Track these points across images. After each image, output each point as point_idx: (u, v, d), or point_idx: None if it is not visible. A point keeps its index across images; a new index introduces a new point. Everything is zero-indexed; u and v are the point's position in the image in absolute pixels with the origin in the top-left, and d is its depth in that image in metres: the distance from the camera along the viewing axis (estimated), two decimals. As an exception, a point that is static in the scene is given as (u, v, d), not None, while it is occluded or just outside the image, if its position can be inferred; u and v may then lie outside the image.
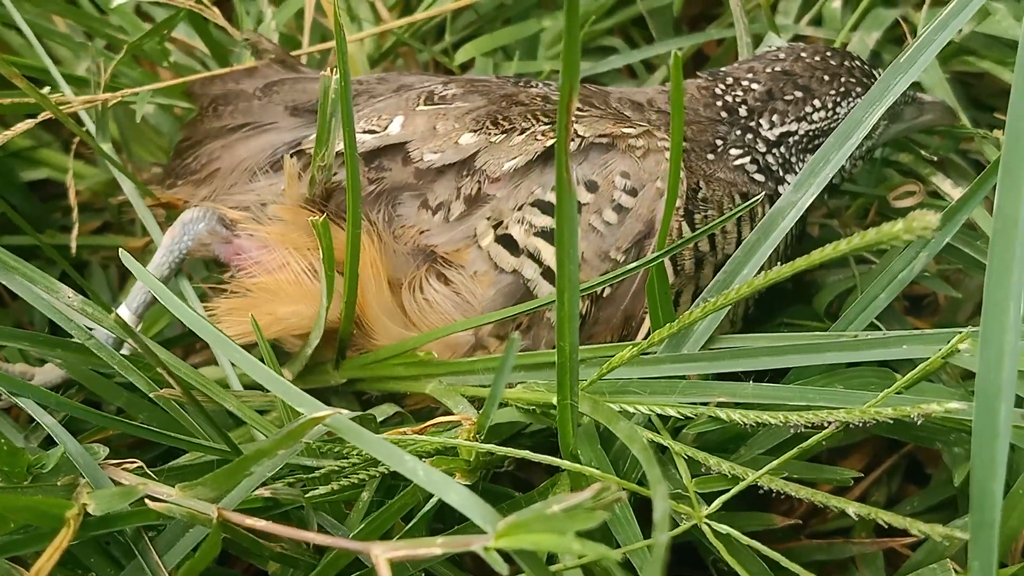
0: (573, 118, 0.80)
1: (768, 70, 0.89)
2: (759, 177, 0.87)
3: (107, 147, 0.94)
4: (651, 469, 0.57)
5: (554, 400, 0.67)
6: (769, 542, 0.65)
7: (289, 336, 0.85)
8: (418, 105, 0.85)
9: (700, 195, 0.82)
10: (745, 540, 0.65)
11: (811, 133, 0.88)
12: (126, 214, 1.09)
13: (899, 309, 0.98)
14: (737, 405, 0.68)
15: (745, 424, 0.66)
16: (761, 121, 0.87)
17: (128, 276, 1.07)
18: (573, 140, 0.79)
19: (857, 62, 0.89)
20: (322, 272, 0.77)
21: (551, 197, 0.78)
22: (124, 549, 0.68)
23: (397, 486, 0.72)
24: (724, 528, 0.65)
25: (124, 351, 0.80)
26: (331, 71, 0.74)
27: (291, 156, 0.85)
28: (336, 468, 0.70)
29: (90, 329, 0.78)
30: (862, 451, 0.93)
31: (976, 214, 0.84)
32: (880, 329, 0.78)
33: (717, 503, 0.66)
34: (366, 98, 0.90)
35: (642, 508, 0.64)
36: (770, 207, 0.76)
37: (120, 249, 0.73)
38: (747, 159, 0.86)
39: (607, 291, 0.79)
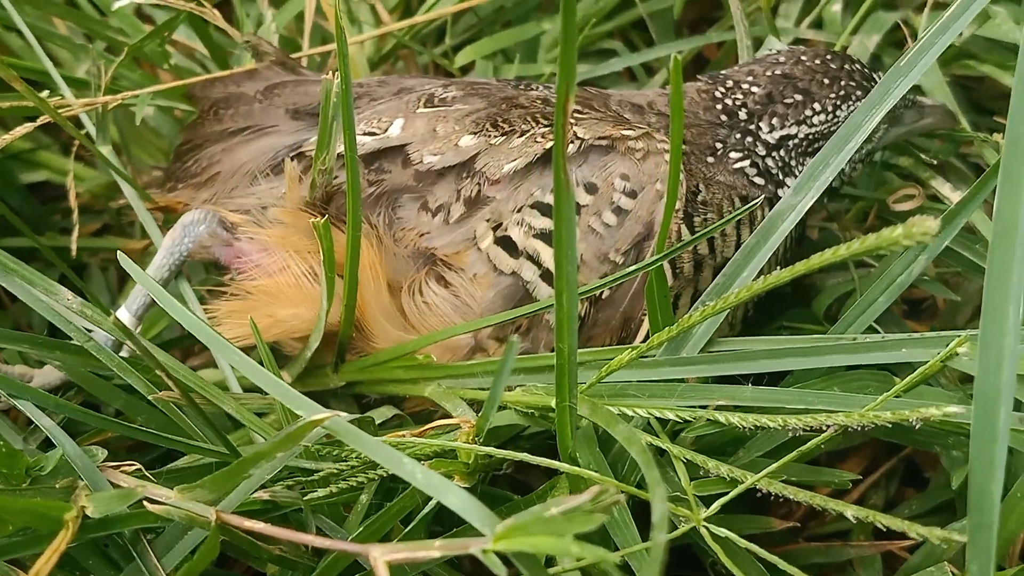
0: (572, 120, 0.80)
1: (768, 73, 0.89)
2: (759, 180, 0.87)
3: (107, 150, 0.94)
4: (650, 471, 0.57)
5: (552, 403, 0.67)
6: (767, 545, 0.65)
7: (288, 339, 0.85)
8: (418, 107, 0.85)
9: (700, 198, 0.82)
10: (743, 543, 0.65)
11: (811, 136, 0.88)
12: (125, 217, 1.09)
13: (898, 313, 0.98)
14: (736, 408, 0.68)
15: (744, 427, 0.66)
16: (761, 124, 0.88)
17: (128, 278, 1.07)
18: (573, 142, 0.79)
19: (857, 65, 0.89)
20: (322, 275, 0.77)
21: (550, 199, 0.78)
22: (123, 551, 0.68)
23: (396, 489, 0.72)
24: (722, 531, 0.65)
25: (123, 353, 0.81)
26: (333, 74, 0.74)
27: (292, 159, 0.85)
28: (335, 471, 0.70)
29: (89, 331, 0.77)
30: (860, 455, 0.93)
31: (975, 217, 0.84)
32: (879, 332, 0.78)
33: (715, 506, 0.66)
34: (367, 101, 0.90)
35: (640, 512, 0.64)
36: (769, 210, 0.76)
37: (119, 252, 0.73)
38: (747, 162, 0.86)
39: (606, 293, 0.79)
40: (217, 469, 0.63)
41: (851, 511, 0.62)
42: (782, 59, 0.90)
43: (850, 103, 0.88)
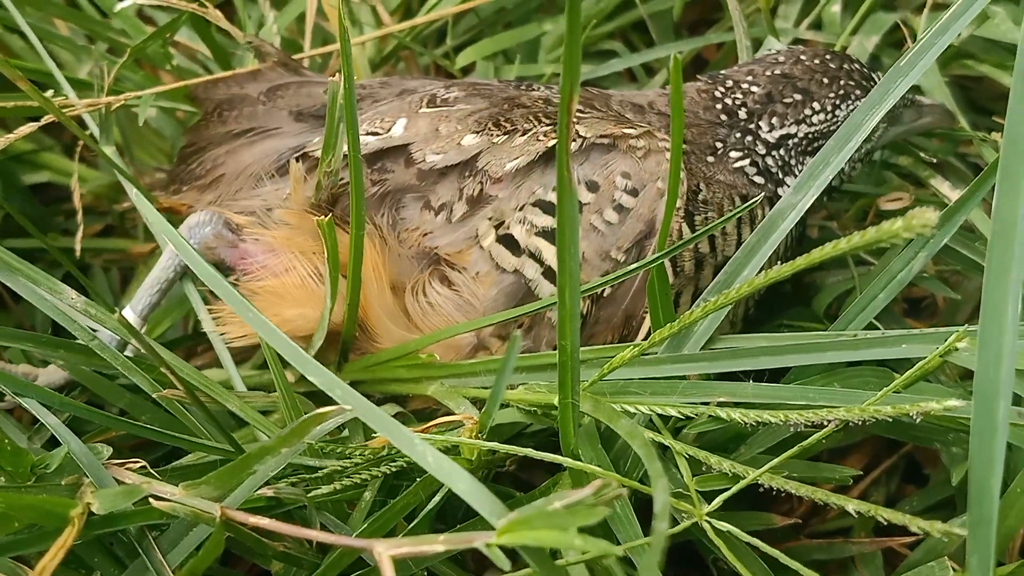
0: (574, 119, 0.81)
1: (768, 73, 0.89)
2: (759, 179, 0.87)
3: (111, 151, 0.94)
4: (652, 464, 0.58)
5: (555, 401, 0.68)
6: (769, 541, 0.65)
7: (293, 339, 0.85)
8: (421, 108, 0.86)
9: (700, 197, 0.82)
10: (745, 538, 0.65)
11: (810, 136, 0.88)
12: (129, 218, 1.10)
13: (898, 311, 0.98)
14: (737, 405, 0.68)
15: (745, 423, 0.66)
16: (761, 124, 0.88)
17: (130, 280, 1.08)
18: (574, 141, 0.80)
19: (856, 65, 0.90)
20: (327, 274, 0.78)
21: (552, 197, 0.78)
22: (128, 548, 0.68)
23: (399, 486, 0.73)
24: (724, 526, 0.66)
25: (127, 353, 0.81)
26: (336, 76, 0.74)
27: (296, 160, 0.85)
28: (339, 468, 0.71)
29: (93, 330, 0.78)
30: (861, 452, 0.93)
31: (974, 216, 0.85)
32: (879, 329, 0.79)
33: (717, 501, 0.66)
34: (369, 102, 0.90)
35: (643, 508, 0.64)
36: (770, 209, 0.77)
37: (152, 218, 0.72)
38: (747, 161, 0.87)
39: (608, 291, 0.79)
40: (221, 466, 0.64)
41: (852, 505, 0.62)
42: (781, 59, 0.90)
43: (849, 102, 0.88)
